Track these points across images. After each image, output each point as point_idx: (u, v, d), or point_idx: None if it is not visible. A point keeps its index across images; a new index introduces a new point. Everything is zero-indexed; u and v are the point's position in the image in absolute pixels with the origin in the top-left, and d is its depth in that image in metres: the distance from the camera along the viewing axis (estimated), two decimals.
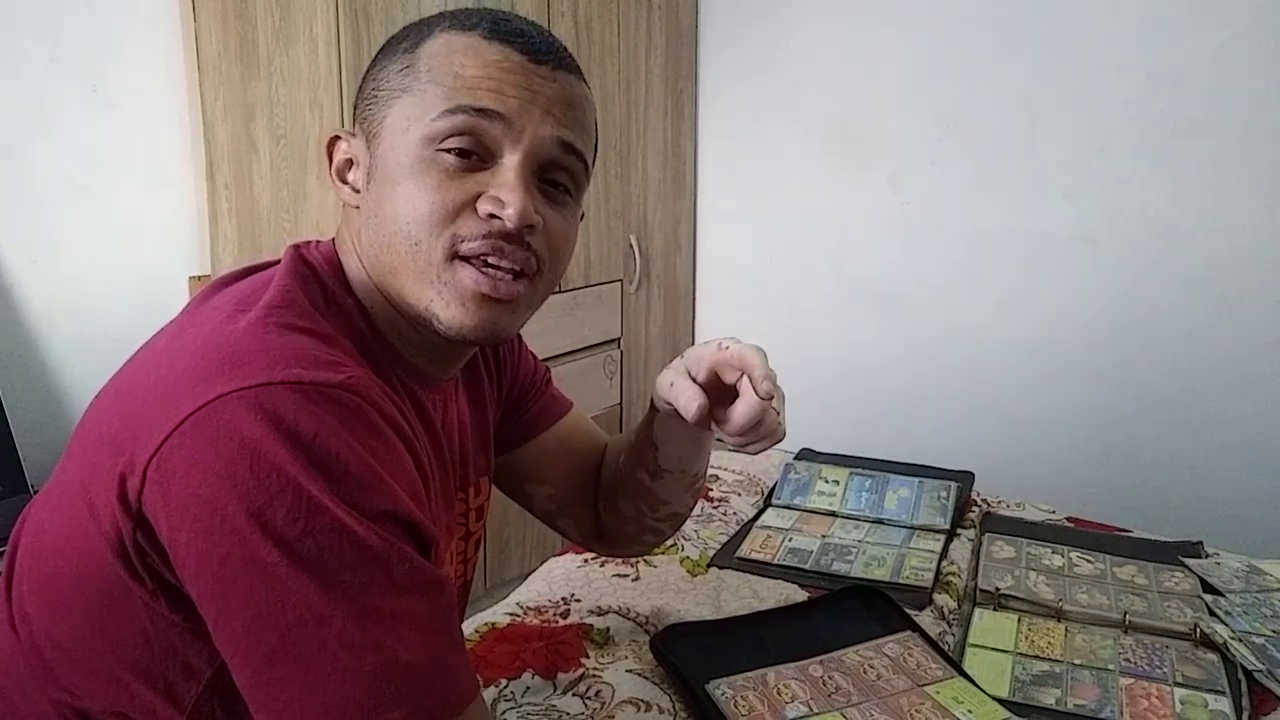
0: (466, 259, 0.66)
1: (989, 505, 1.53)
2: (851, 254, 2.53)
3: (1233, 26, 1.96)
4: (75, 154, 1.76)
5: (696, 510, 1.45)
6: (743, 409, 0.72)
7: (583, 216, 0.76)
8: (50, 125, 1.72)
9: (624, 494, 0.94)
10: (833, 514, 1.45)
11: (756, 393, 0.70)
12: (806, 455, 1.64)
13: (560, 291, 2.24)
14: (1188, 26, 2.00)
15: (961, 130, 2.31)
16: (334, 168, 0.73)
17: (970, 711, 0.92)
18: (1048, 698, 0.98)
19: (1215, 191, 2.03)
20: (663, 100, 2.54)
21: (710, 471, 1.63)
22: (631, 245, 2.47)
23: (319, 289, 0.69)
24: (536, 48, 0.68)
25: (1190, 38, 2.00)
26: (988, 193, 2.30)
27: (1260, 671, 1.02)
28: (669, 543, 1.33)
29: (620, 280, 2.45)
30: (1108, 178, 2.15)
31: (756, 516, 1.45)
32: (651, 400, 0.83)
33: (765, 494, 1.54)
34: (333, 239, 0.75)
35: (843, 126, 2.48)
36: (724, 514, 1.46)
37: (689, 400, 0.73)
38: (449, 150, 0.66)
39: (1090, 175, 2.17)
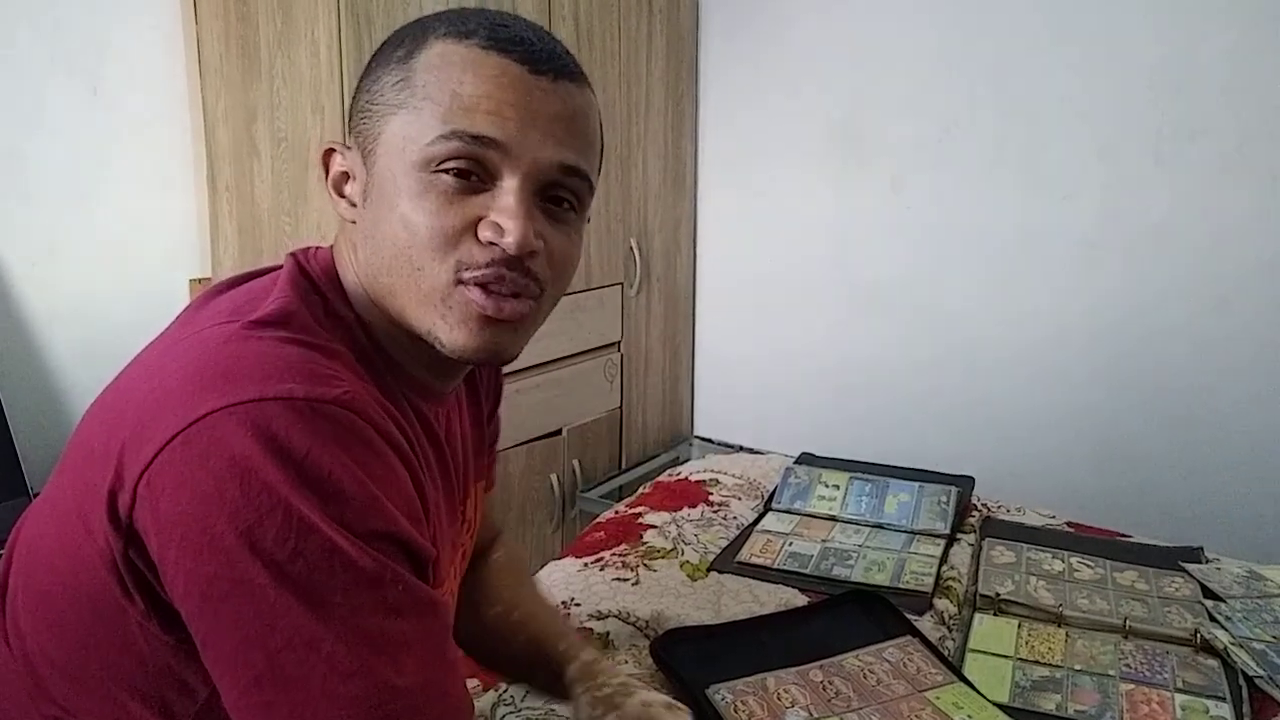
0: (469, 284, 0.65)
1: (989, 510, 1.53)
2: (852, 257, 2.52)
3: (1236, 30, 1.96)
4: (75, 156, 1.76)
5: (697, 515, 1.46)
6: None
7: (588, 220, 0.76)
8: (50, 127, 1.72)
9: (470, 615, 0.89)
10: (833, 518, 1.45)
11: None
12: (806, 459, 1.64)
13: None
14: (1191, 29, 2.00)
15: (962, 132, 2.31)
16: (330, 180, 0.71)
17: (970, 717, 0.92)
18: (1048, 703, 0.98)
19: (1217, 195, 2.03)
20: (663, 103, 2.54)
21: (711, 476, 1.63)
22: (632, 248, 2.47)
23: (319, 300, 0.68)
24: (537, 56, 0.65)
25: (1193, 41, 2.00)
26: (989, 195, 2.30)
27: (1261, 677, 1.01)
28: (669, 546, 1.33)
29: (621, 283, 2.45)
30: (1109, 180, 2.14)
31: (756, 521, 1.45)
32: (565, 673, 0.81)
33: (765, 498, 1.54)
34: (331, 247, 0.73)
35: (843, 129, 2.48)
36: (724, 518, 1.46)
37: None
38: (447, 171, 0.64)
39: (1091, 178, 2.16)
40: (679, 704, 0.78)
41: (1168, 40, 2.03)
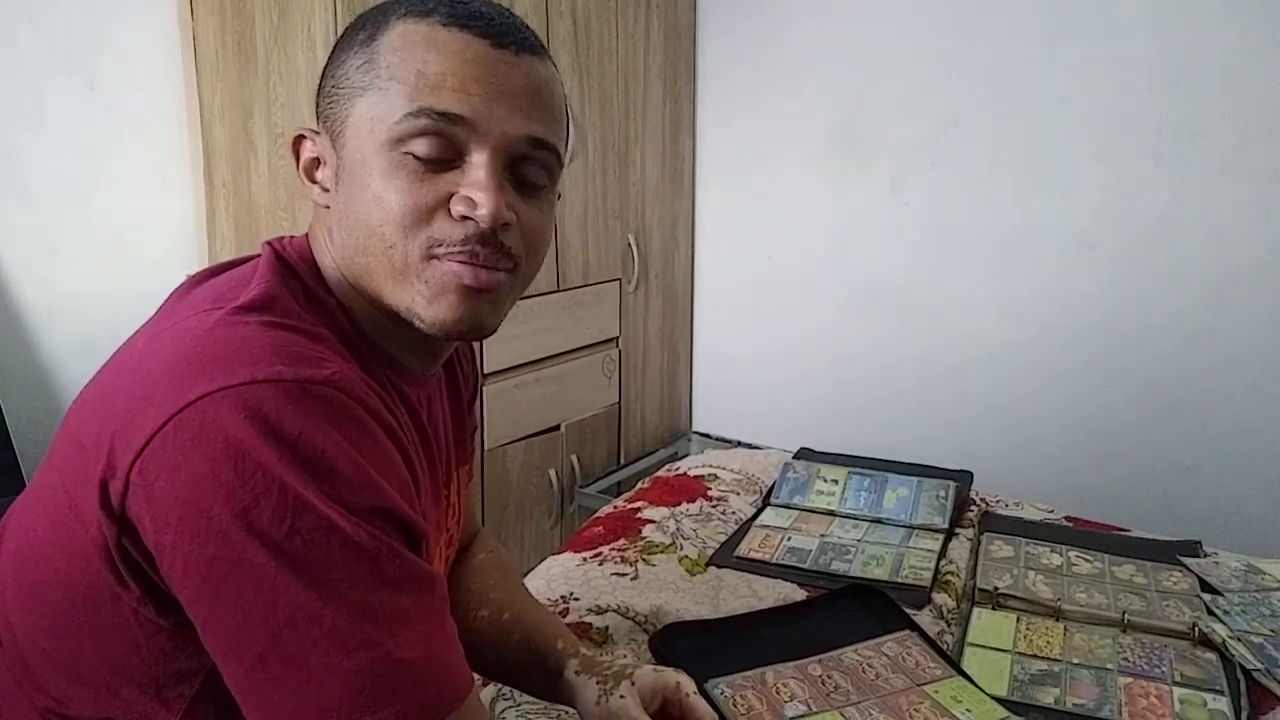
0: (444, 259, 0.65)
1: (987, 504, 1.53)
2: (851, 254, 2.53)
3: (1235, 30, 1.96)
4: (72, 153, 1.75)
5: (696, 510, 1.46)
6: None
7: (559, 195, 0.75)
8: (49, 126, 1.72)
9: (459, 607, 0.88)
10: (831, 513, 1.45)
11: None
12: (805, 454, 1.64)
13: (559, 291, 2.24)
14: (1190, 30, 2.00)
15: (961, 133, 2.31)
16: (301, 166, 0.72)
17: (969, 710, 0.92)
18: (1046, 697, 0.98)
19: (1215, 195, 2.03)
20: (661, 99, 2.53)
21: (709, 470, 1.63)
22: (630, 245, 2.47)
23: (299, 286, 0.68)
24: (497, 30, 0.65)
25: (1192, 41, 2.00)
26: (988, 194, 2.30)
27: (1259, 670, 1.02)
28: (668, 541, 1.33)
29: (619, 280, 2.45)
30: (1108, 181, 2.15)
31: (755, 515, 1.45)
32: (564, 671, 0.81)
33: (764, 493, 1.54)
34: (306, 234, 0.73)
35: (842, 127, 2.48)
36: (723, 513, 1.46)
37: None
38: (417, 150, 0.64)
39: (1090, 178, 2.16)
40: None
41: (1166, 41, 2.03)
